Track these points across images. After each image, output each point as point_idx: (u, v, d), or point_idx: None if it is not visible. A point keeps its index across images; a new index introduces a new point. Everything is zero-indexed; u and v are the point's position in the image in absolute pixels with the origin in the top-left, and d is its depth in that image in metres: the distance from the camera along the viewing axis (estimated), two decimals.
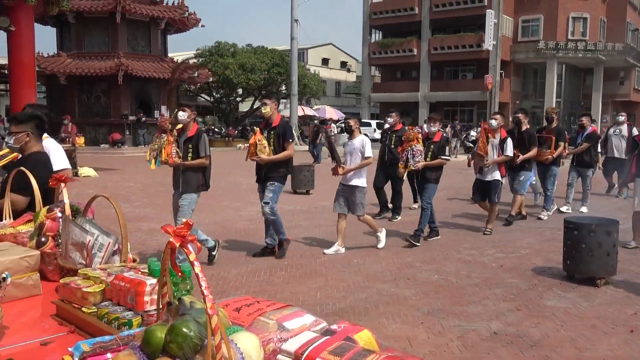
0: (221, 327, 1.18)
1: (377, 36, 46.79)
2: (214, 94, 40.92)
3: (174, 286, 1.73)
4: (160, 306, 1.42)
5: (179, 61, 28.24)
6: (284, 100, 42.08)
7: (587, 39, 41.29)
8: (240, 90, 41.30)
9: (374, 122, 39.71)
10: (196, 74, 27.15)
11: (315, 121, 26.68)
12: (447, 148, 7.30)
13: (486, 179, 7.83)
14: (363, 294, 5.16)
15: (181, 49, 57.49)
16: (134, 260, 2.21)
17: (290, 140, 6.25)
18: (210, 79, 31.53)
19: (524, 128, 8.65)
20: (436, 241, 7.42)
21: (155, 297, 1.60)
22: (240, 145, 30.14)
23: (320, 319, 1.61)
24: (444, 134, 7.63)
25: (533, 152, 8.53)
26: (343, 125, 9.38)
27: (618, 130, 11.27)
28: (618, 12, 43.63)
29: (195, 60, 35.56)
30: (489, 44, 37.37)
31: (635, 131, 11.07)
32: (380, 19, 44.47)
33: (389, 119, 9.12)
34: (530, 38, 41.72)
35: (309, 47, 55.99)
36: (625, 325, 4.38)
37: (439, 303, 4.91)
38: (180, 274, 1.75)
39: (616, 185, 11.58)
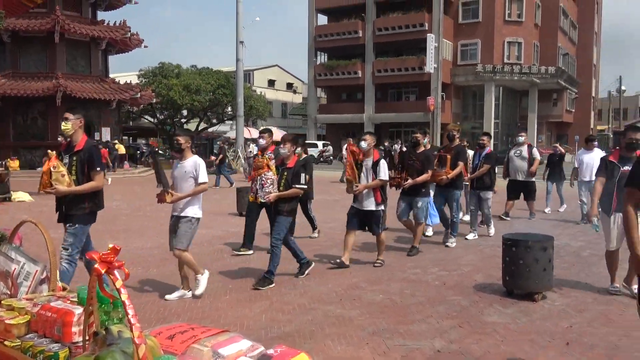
0: (149, 357, 1.14)
1: (322, 58, 47.46)
2: (158, 115, 40.31)
3: (105, 315, 1.66)
4: (87, 337, 1.37)
5: (120, 82, 27.69)
6: (230, 122, 41.87)
7: (522, 62, 43.35)
8: (185, 112, 40.81)
9: (320, 143, 40.14)
10: (139, 95, 26.66)
11: (218, 142, 25.52)
12: (303, 175, 6.20)
13: (364, 208, 7.03)
14: (308, 316, 5.13)
15: (124, 69, 56.44)
16: (64, 289, 2.12)
17: (98, 168, 5.01)
18: (154, 100, 31.02)
19: (420, 149, 7.92)
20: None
21: None
22: None
23: (257, 344, 1.58)
24: (301, 158, 6.66)
25: (425, 176, 7.71)
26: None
27: (518, 152, 10.88)
28: (550, 37, 46.12)
29: (138, 82, 34.96)
30: (430, 67, 38.62)
31: (535, 152, 10.90)
32: (326, 42, 45.21)
33: (260, 140, 7.62)
34: (469, 61, 43.39)
35: (254, 68, 56.16)
36: (561, 338, 4.54)
37: (384, 323, 4.94)
38: (112, 300, 1.69)
39: (534, 215, 11.30)
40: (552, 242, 5.70)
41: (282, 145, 6.37)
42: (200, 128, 41.80)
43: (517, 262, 5.57)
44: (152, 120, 41.04)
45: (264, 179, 6.28)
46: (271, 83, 60.22)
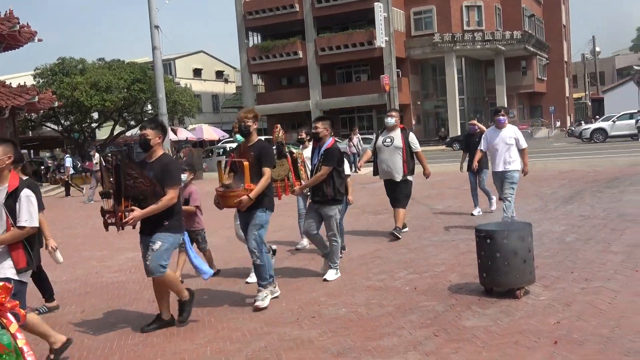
0: None
1: (255, 39, 47.38)
2: (63, 121, 39.25)
3: None
4: None
5: (12, 85, 26.80)
6: None
7: (483, 28, 44.53)
8: (95, 115, 39.90)
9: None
10: (36, 99, 25.85)
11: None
12: None
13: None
14: (261, 342, 5.13)
15: (15, 69, 54.67)
16: None
17: None
18: (56, 104, 30.13)
19: (159, 153, 5.61)
20: (342, 269, 7.51)
21: None
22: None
23: None
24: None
25: (161, 204, 5.31)
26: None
27: (389, 140, 9.02)
28: None
29: (34, 83, 33.94)
30: (381, 40, 39.09)
31: (413, 139, 9.12)
32: (257, 20, 45.14)
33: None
34: (425, 31, 44.27)
35: (176, 56, 55.52)
36: (548, 336, 4.69)
37: (349, 341, 4.98)
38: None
39: (405, 228, 9.56)
40: (530, 230, 5.88)
41: None
42: (115, 132, 40.95)
43: (494, 255, 5.71)
44: (55, 127, 39.94)
45: None
46: (197, 72, 59.62)
